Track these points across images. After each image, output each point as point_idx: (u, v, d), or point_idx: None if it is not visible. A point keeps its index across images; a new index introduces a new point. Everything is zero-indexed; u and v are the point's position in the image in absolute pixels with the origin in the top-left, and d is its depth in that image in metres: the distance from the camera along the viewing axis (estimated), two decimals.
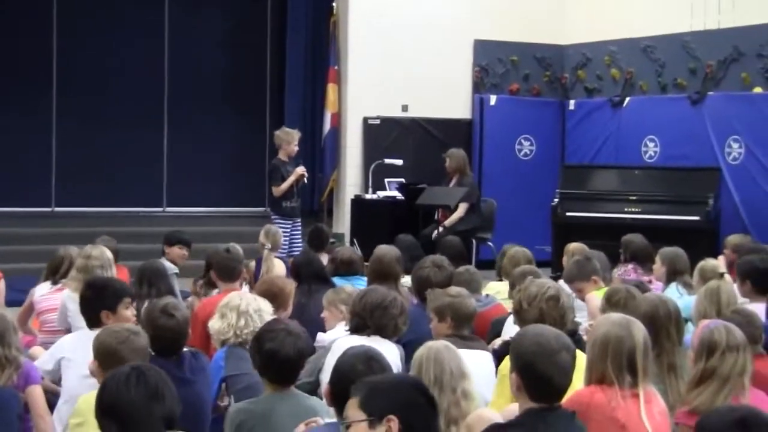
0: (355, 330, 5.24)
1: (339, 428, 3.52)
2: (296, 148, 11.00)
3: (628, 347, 3.96)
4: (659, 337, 4.74)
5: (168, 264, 7.89)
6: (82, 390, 4.62)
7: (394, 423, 3.05)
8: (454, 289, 5.56)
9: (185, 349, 4.94)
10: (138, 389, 3.27)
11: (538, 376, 3.58)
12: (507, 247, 8.17)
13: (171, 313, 4.84)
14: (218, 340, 5.27)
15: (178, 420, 3.38)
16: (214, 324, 5.25)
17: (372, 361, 3.84)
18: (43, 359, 5.36)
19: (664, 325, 4.79)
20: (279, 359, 4.22)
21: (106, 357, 4.25)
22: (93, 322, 5.28)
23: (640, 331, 4.03)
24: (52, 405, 5.08)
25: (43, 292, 6.97)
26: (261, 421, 4.17)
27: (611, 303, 5.54)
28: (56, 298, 6.74)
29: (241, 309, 5.17)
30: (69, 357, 5.13)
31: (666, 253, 7.54)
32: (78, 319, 6.13)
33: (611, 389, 3.92)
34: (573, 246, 8.56)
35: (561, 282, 6.71)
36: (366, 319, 5.20)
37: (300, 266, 7.32)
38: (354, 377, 3.61)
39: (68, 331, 6.15)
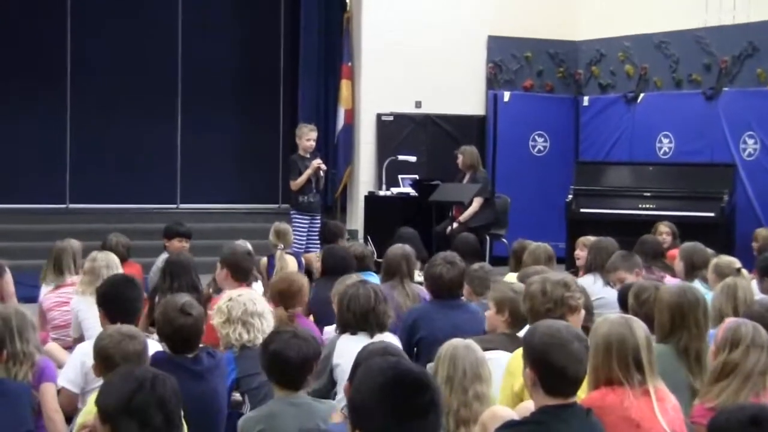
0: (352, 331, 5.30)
1: None
2: (309, 143, 10.94)
3: (631, 345, 3.93)
4: (688, 325, 4.71)
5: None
6: None
7: None
8: (518, 285, 5.47)
9: (201, 346, 4.95)
10: (166, 388, 3.25)
11: (552, 367, 3.57)
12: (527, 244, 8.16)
13: (188, 312, 4.82)
14: (224, 344, 5.27)
15: None
16: (220, 329, 5.24)
17: (389, 355, 3.82)
18: (69, 377, 5.16)
19: (692, 312, 4.73)
20: (281, 360, 4.21)
21: (102, 361, 4.25)
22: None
23: (640, 327, 4.01)
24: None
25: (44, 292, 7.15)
26: (266, 422, 4.17)
27: (640, 301, 5.39)
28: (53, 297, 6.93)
29: (243, 318, 5.17)
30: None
31: (684, 248, 7.52)
32: (90, 324, 6.15)
33: (622, 389, 3.90)
34: (582, 238, 8.63)
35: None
36: (361, 323, 5.26)
37: (328, 259, 7.37)
38: None
39: (80, 339, 6.13)
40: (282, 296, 5.90)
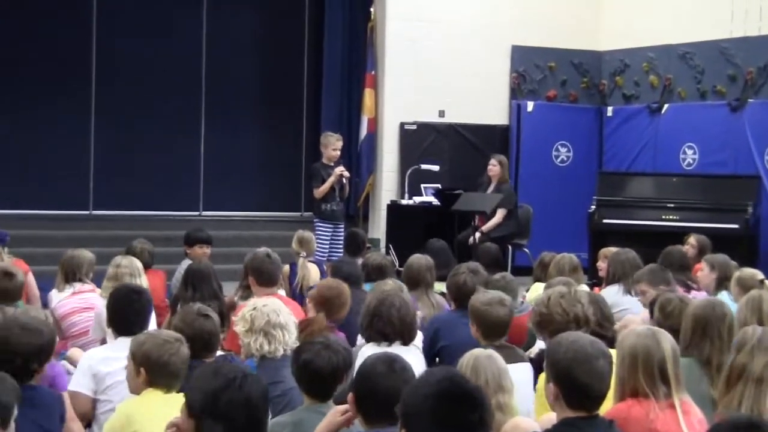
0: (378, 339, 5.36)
1: None
2: (335, 153, 10.95)
3: (658, 358, 3.91)
4: (711, 337, 4.69)
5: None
6: None
7: None
8: (488, 295, 5.50)
9: (219, 353, 4.95)
10: (253, 389, 3.24)
11: (575, 383, 3.55)
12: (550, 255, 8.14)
13: (206, 314, 4.90)
14: (245, 353, 5.27)
15: None
16: (242, 337, 5.23)
17: (394, 363, 3.80)
18: (80, 381, 5.16)
19: (717, 325, 4.71)
20: (311, 370, 4.22)
21: (155, 367, 4.23)
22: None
23: (667, 340, 3.99)
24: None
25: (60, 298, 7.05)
26: (293, 428, 4.18)
27: (665, 314, 5.38)
28: (71, 302, 6.86)
29: (265, 329, 5.16)
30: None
31: (717, 260, 7.49)
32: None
33: (647, 402, 3.88)
34: (605, 250, 8.61)
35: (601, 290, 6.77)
36: (390, 332, 5.34)
37: (337, 270, 7.37)
38: (375, 379, 3.62)
39: (103, 341, 6.13)
40: (327, 303, 5.94)
